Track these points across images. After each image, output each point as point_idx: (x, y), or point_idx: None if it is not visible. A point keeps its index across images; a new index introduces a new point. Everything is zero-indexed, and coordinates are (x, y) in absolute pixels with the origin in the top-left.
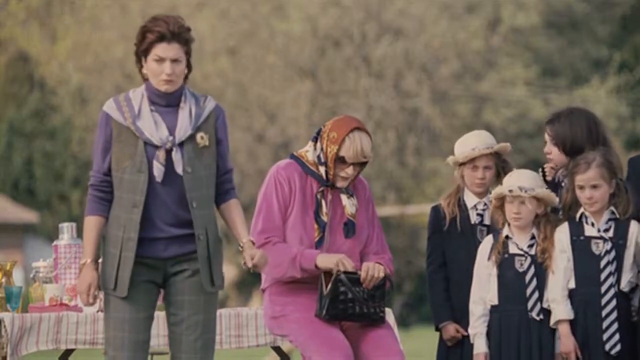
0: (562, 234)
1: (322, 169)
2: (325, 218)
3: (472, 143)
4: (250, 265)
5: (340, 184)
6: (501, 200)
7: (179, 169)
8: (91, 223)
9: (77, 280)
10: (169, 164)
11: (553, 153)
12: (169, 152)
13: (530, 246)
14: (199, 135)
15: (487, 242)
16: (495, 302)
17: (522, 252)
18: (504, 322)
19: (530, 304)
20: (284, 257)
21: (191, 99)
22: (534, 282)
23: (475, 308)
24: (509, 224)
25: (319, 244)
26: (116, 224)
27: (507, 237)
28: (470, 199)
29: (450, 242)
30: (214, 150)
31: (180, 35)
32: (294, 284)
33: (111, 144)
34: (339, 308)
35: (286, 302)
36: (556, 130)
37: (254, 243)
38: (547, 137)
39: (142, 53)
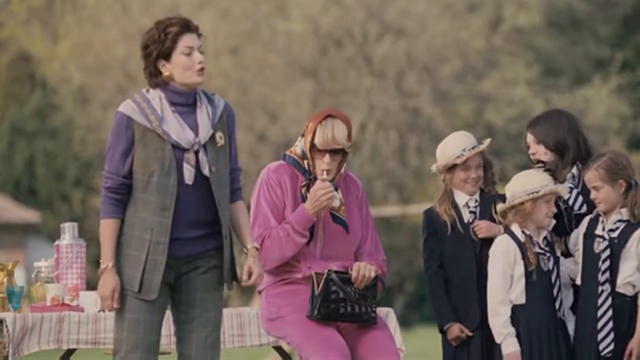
0: (579, 230)
1: (305, 162)
2: None
3: (459, 144)
4: (244, 279)
5: (321, 177)
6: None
7: (205, 170)
8: (110, 226)
9: (100, 285)
10: (196, 165)
11: (538, 152)
12: (196, 154)
13: (547, 245)
14: (217, 135)
15: (503, 243)
16: (522, 301)
17: (543, 252)
18: (534, 322)
19: (557, 303)
20: (285, 235)
21: (204, 97)
22: (559, 281)
23: (502, 309)
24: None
25: (310, 238)
26: (142, 226)
27: (530, 236)
28: (461, 198)
29: (447, 243)
30: (228, 148)
31: (197, 28)
32: (290, 286)
33: (132, 147)
34: (330, 308)
35: (282, 304)
36: (538, 130)
37: (257, 249)
38: (529, 139)
39: (164, 52)
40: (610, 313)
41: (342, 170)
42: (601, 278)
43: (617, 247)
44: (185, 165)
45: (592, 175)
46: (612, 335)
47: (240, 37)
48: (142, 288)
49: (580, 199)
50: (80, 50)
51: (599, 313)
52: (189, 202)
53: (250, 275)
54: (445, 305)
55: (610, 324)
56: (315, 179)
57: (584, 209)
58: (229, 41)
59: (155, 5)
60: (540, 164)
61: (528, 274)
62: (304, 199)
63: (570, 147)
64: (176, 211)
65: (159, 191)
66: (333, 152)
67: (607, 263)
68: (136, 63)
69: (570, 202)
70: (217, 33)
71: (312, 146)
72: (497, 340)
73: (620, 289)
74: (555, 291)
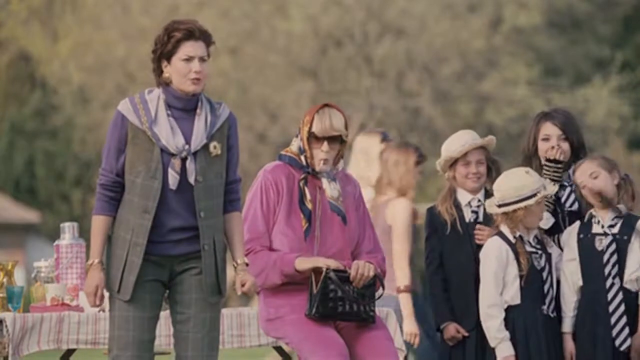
0: (570, 234)
1: (302, 158)
2: (309, 206)
3: (461, 140)
4: (239, 293)
5: (319, 167)
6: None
7: (191, 179)
8: (100, 223)
9: (85, 282)
10: (182, 172)
11: (563, 148)
12: (183, 161)
13: (537, 242)
14: (212, 145)
15: (495, 245)
16: (518, 301)
17: (535, 250)
18: (530, 321)
19: (547, 299)
20: (265, 264)
21: (207, 104)
22: (550, 278)
23: (495, 312)
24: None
25: (307, 234)
26: (125, 226)
27: (520, 237)
28: (463, 197)
29: (447, 243)
30: (224, 159)
31: (206, 34)
32: (288, 286)
33: (125, 146)
34: (328, 306)
35: (280, 304)
36: (566, 125)
37: (247, 264)
38: (551, 131)
39: (166, 55)
40: (622, 307)
41: (341, 163)
42: (612, 271)
43: (621, 242)
44: (170, 171)
45: (590, 164)
46: (627, 330)
47: (240, 37)
48: (121, 288)
49: (573, 196)
50: (80, 50)
51: (611, 308)
52: (174, 207)
53: (243, 284)
54: (443, 305)
55: (625, 319)
56: (314, 171)
57: (575, 206)
58: (228, 41)
59: (155, 5)
60: (555, 163)
61: (522, 275)
62: (302, 193)
63: (584, 149)
64: (160, 215)
65: (142, 193)
66: (331, 140)
67: (615, 257)
68: (136, 63)
69: (563, 199)
70: (216, 33)
71: (310, 136)
72: (492, 344)
73: (627, 284)
74: (546, 287)
